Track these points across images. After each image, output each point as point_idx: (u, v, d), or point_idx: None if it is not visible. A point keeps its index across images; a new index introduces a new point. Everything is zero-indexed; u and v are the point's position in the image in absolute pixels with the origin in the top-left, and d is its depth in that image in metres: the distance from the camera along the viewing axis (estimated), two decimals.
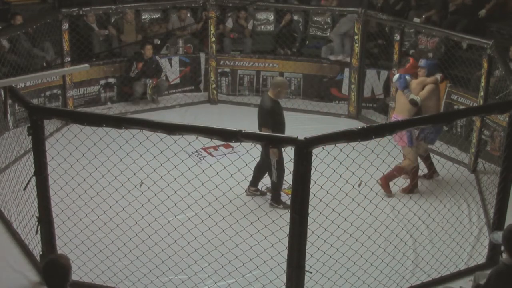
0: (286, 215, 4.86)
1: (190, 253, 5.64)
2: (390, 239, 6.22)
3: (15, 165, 6.68)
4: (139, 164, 5.93)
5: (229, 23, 10.81)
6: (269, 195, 7.09)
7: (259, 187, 7.15)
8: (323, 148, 4.71)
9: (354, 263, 5.63)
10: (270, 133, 6.49)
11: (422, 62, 7.47)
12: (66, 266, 3.83)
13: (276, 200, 6.98)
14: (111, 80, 10.06)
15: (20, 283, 5.55)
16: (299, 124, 9.38)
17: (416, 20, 10.18)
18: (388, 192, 7.20)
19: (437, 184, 7.51)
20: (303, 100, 10.39)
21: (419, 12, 10.56)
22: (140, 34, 10.41)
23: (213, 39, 10.05)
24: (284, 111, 9.88)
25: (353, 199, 5.78)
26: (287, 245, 4.77)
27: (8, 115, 8.54)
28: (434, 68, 7.56)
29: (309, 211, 4.69)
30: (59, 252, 5.56)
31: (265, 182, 6.98)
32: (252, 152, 5.15)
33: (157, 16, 10.95)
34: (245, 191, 7.05)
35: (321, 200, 5.63)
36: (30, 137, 5.18)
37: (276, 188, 6.96)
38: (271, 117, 6.76)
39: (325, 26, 11.00)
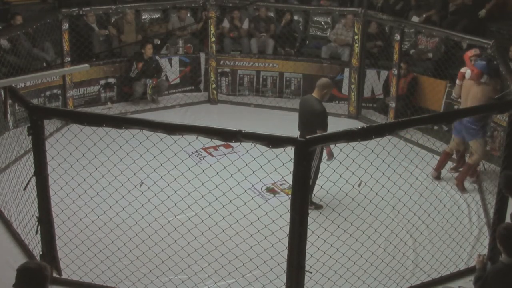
0: (286, 215, 4.86)
1: (190, 253, 5.64)
2: (390, 239, 6.22)
3: (15, 165, 6.68)
4: (139, 164, 5.93)
5: (225, 23, 10.82)
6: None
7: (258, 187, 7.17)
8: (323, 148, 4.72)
9: (354, 263, 5.63)
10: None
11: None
12: (48, 277, 3.64)
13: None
14: (111, 80, 10.06)
15: None
16: None
17: (416, 18, 10.18)
18: (465, 192, 7.47)
19: (437, 184, 7.51)
20: None
21: (419, 11, 10.57)
22: (140, 34, 10.41)
23: (213, 39, 10.05)
24: (284, 111, 10.07)
25: (353, 199, 5.79)
26: (287, 245, 4.78)
27: (8, 115, 8.54)
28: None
29: (309, 211, 4.70)
30: (59, 252, 5.57)
31: (265, 182, 6.97)
32: (252, 152, 5.14)
33: (157, 16, 10.95)
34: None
35: (321, 200, 5.64)
36: (30, 137, 5.18)
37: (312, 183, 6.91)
38: (325, 118, 6.73)
39: (325, 26, 11.00)
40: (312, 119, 6.73)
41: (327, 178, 5.46)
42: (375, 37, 10.01)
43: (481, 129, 7.27)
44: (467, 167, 7.57)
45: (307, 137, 4.55)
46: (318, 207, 6.87)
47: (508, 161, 5.58)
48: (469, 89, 7.36)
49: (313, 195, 6.89)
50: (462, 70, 7.52)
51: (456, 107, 8.69)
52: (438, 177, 7.79)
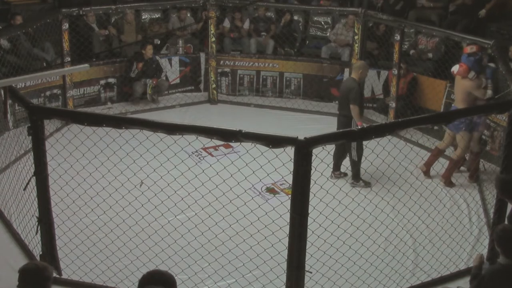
0: (286, 215, 4.86)
1: (190, 253, 5.64)
2: (390, 239, 6.22)
3: (15, 165, 6.68)
4: (139, 164, 5.93)
5: (226, 23, 10.83)
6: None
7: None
8: (323, 148, 4.71)
9: (354, 263, 5.63)
10: (358, 110, 7.26)
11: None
12: (49, 277, 3.66)
13: (356, 178, 7.38)
14: (111, 80, 10.06)
15: None
16: (299, 124, 9.39)
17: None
18: (453, 186, 7.58)
19: (437, 184, 7.51)
20: (303, 100, 10.40)
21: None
22: (140, 34, 10.41)
23: (213, 39, 10.05)
24: (284, 111, 10.08)
25: (353, 199, 5.78)
26: (287, 245, 4.77)
27: (8, 115, 8.54)
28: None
29: (309, 211, 4.70)
30: (59, 252, 5.57)
31: (265, 182, 6.98)
32: (252, 152, 5.14)
33: (157, 16, 10.95)
34: (330, 176, 7.40)
35: (321, 200, 5.63)
36: (30, 137, 5.18)
37: (356, 167, 7.37)
38: (357, 94, 7.32)
39: (325, 26, 11.00)
40: (347, 96, 7.36)
41: (327, 178, 5.45)
42: (376, 38, 10.01)
43: (465, 123, 7.32)
44: (451, 163, 7.62)
45: (307, 137, 4.55)
46: (366, 184, 7.32)
47: (508, 161, 5.58)
48: (456, 84, 7.59)
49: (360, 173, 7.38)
50: (453, 69, 7.63)
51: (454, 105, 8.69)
52: (426, 172, 7.81)
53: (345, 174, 7.59)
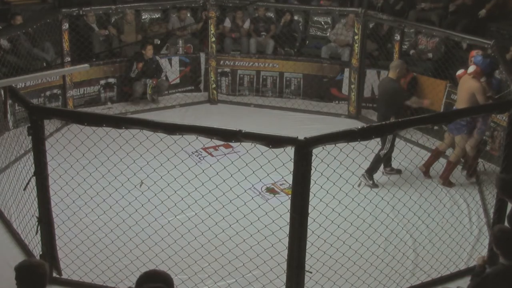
0: (286, 215, 4.86)
1: (190, 253, 5.64)
2: (390, 239, 6.22)
3: (15, 165, 6.68)
4: (139, 164, 5.93)
5: (227, 23, 10.83)
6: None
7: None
8: (323, 148, 4.72)
9: (354, 263, 5.63)
10: (416, 98, 7.68)
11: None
12: (43, 274, 3.69)
13: (370, 175, 7.35)
14: (111, 80, 10.06)
15: None
16: (299, 124, 9.39)
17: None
18: (452, 186, 7.55)
19: (437, 184, 7.51)
20: (303, 100, 10.40)
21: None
22: (140, 34, 10.41)
23: (213, 39, 10.05)
24: (284, 111, 10.08)
25: (353, 199, 5.78)
26: (287, 245, 4.77)
27: (8, 115, 8.54)
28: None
29: (309, 211, 4.70)
30: (59, 252, 5.57)
31: (265, 182, 6.98)
32: (252, 152, 5.15)
33: (157, 16, 10.95)
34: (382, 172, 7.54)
35: (321, 200, 5.64)
36: (30, 137, 5.18)
37: (377, 163, 7.33)
38: (403, 91, 7.44)
39: (325, 26, 11.01)
40: (389, 97, 7.35)
41: (327, 178, 5.45)
42: (376, 39, 10.01)
43: (467, 125, 7.30)
44: (449, 164, 7.60)
45: (307, 137, 4.55)
46: (375, 185, 7.27)
47: (508, 161, 5.58)
48: (461, 84, 7.48)
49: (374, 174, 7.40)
50: (459, 72, 7.58)
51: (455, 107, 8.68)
52: (426, 173, 7.80)
53: (399, 171, 7.61)
